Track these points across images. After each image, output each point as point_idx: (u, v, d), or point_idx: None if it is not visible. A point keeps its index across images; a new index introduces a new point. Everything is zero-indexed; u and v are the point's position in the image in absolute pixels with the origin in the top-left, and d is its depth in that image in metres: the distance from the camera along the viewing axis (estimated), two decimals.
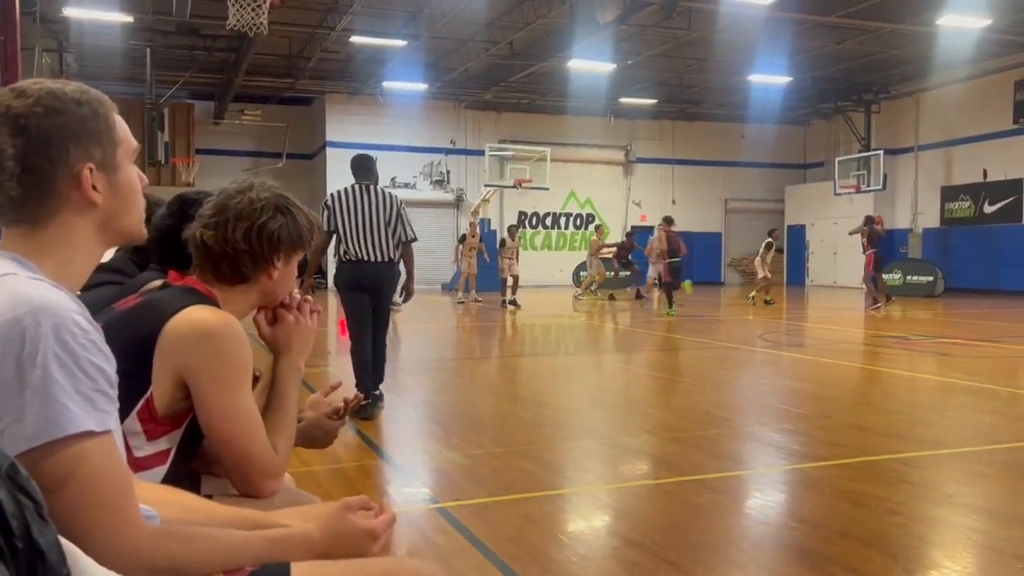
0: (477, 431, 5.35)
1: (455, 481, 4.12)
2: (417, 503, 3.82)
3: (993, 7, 14.97)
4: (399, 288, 6.14)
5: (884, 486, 3.97)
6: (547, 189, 23.29)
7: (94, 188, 1.15)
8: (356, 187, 5.82)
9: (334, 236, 5.71)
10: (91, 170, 1.15)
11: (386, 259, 5.70)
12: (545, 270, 25.05)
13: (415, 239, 5.91)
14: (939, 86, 21.91)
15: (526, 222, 25.60)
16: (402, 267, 5.97)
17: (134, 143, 1.23)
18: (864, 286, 16.68)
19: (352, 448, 4.59)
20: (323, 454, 4.30)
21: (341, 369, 8.44)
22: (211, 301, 1.60)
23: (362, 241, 5.65)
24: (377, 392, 5.83)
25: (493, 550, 3.08)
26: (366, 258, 5.65)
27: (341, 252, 5.72)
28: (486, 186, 22.59)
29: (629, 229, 21.89)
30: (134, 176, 1.23)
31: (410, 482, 4.21)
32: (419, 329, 13.17)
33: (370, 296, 5.71)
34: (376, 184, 5.92)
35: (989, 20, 15.41)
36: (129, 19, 15.39)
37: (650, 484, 4.11)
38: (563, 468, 4.47)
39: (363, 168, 5.99)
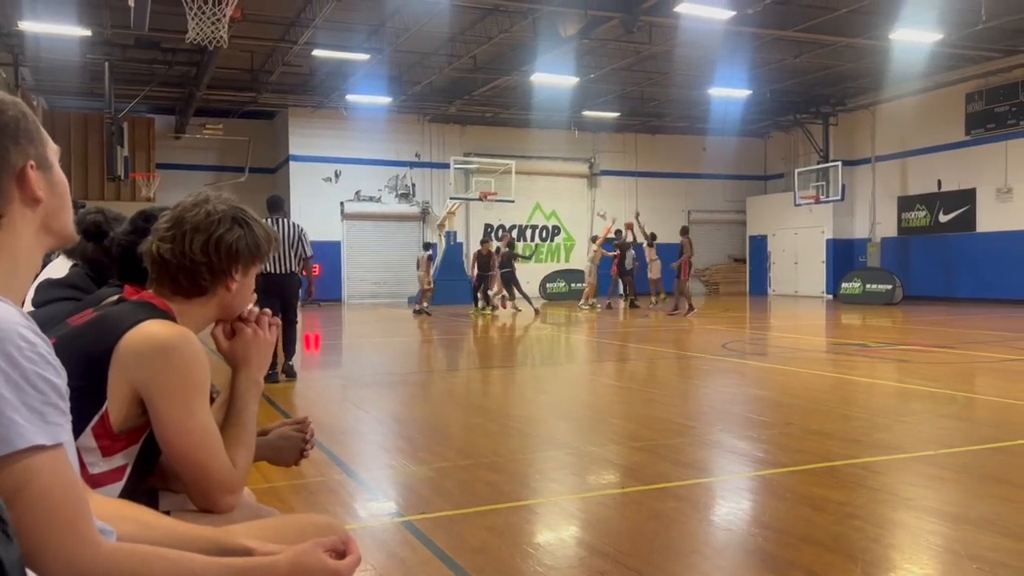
0: (443, 444, 5.34)
1: (420, 494, 4.10)
2: (382, 517, 3.80)
3: (943, 22, 15.38)
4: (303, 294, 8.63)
5: (844, 491, 4.03)
6: (512, 201, 23.36)
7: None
8: (270, 219, 7.97)
9: None
10: (32, 167, 1.15)
11: (288, 271, 8.06)
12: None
13: (312, 256, 8.35)
14: (894, 99, 22.42)
15: (492, 235, 25.62)
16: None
17: (55, 145, 1.24)
18: (676, 291, 17.07)
19: (316, 463, 4.55)
20: (286, 469, 4.27)
21: (307, 384, 8.38)
22: (167, 315, 1.59)
23: (272, 259, 7.58)
24: (290, 364, 8.19)
25: (458, 562, 3.08)
26: (274, 271, 7.83)
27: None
28: (451, 199, 22.60)
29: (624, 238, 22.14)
30: (63, 176, 1.24)
31: (375, 496, 4.18)
32: (385, 343, 13.11)
33: (279, 298, 7.82)
34: (286, 217, 8.52)
35: (940, 35, 15.82)
36: (87, 33, 15.17)
37: (616, 493, 4.14)
38: (529, 479, 4.48)
39: (275, 205, 8.42)
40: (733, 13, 14.06)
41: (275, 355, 7.78)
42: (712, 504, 4.01)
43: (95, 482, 1.47)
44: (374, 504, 4.05)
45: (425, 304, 18.21)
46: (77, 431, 1.39)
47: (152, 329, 1.51)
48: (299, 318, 8.92)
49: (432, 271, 18.82)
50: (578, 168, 26.76)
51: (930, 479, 4.32)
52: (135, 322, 1.52)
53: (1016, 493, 3.97)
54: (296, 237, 8.05)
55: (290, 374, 8.15)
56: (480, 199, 22.87)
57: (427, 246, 19.25)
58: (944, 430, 5.60)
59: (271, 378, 7.64)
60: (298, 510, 3.70)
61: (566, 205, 26.61)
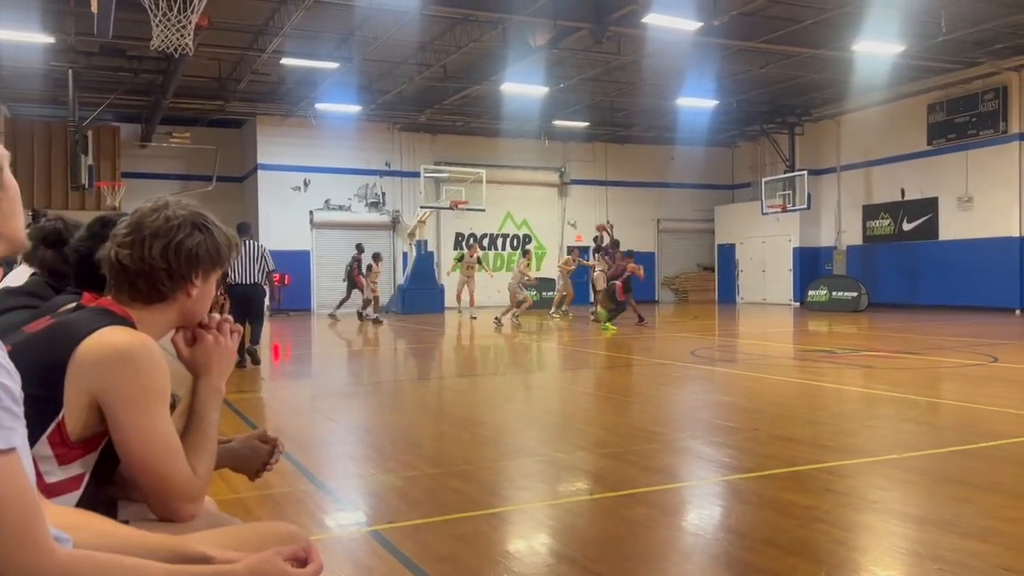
0: (413, 453, 5.31)
1: (389, 503, 4.08)
2: (349, 527, 3.77)
3: (905, 34, 15.69)
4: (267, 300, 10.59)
5: (810, 495, 4.08)
6: (483, 210, 23.36)
7: None
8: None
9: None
10: None
11: (253, 282, 9.95)
12: (483, 291, 25.10)
13: (274, 269, 10.33)
14: (858, 109, 22.80)
15: (463, 243, 25.64)
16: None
17: (4, 151, 1.21)
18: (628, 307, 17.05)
19: (283, 474, 4.50)
20: (253, 479, 4.22)
21: (275, 395, 8.31)
22: (126, 322, 1.57)
23: (240, 272, 9.78)
24: (255, 349, 9.98)
25: (426, 571, 3.07)
26: (242, 282, 9.82)
27: (228, 279, 9.63)
28: (422, 208, 22.56)
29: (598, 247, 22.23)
30: (13, 180, 1.21)
31: (342, 506, 4.15)
32: (354, 352, 13.03)
33: (247, 303, 9.88)
34: (253, 238, 10.46)
35: (902, 47, 16.13)
36: (50, 40, 14.96)
37: (584, 500, 4.15)
38: (498, 487, 4.47)
39: (243, 229, 10.39)
40: (700, 24, 14.23)
41: (241, 345, 9.33)
42: (680, 509, 4.03)
43: (51, 491, 1.45)
44: (341, 514, 4.02)
45: (370, 311, 18.67)
46: (32, 439, 1.36)
47: (110, 336, 1.49)
48: (264, 320, 10.80)
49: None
50: (548, 177, 26.85)
51: (894, 482, 4.39)
52: (93, 329, 1.50)
53: (975, 495, 4.05)
54: (259, 255, 10.00)
55: (252, 358, 9.91)
56: (451, 208, 22.86)
57: (376, 256, 19.76)
58: (908, 434, 5.69)
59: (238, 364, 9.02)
60: (263, 520, 3.66)
61: (537, 214, 26.67)
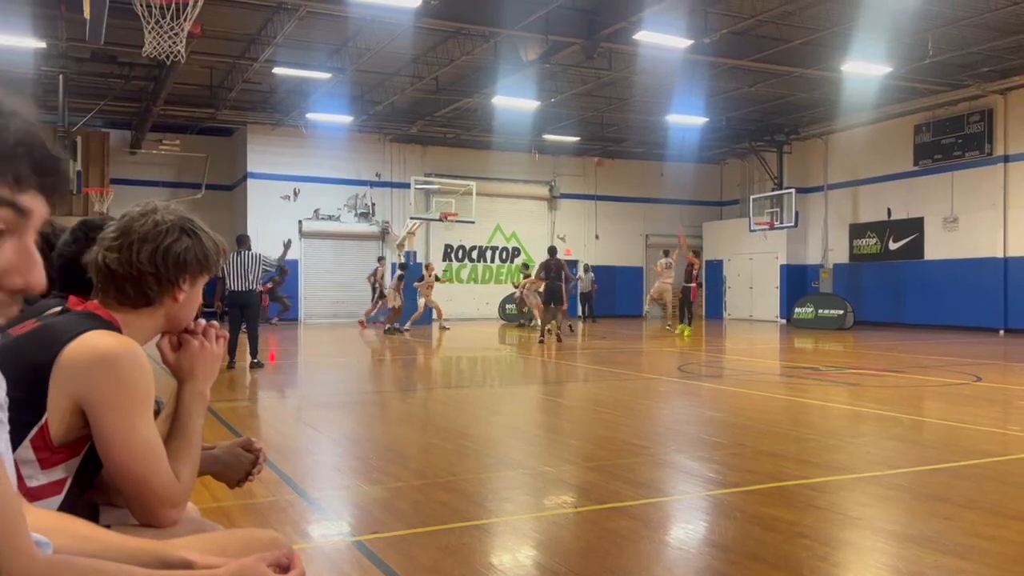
0: (398, 464, 5.30)
1: (373, 514, 4.06)
2: (333, 537, 3.75)
3: (893, 56, 15.88)
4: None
5: (793, 510, 4.09)
6: (473, 223, 23.41)
7: None
8: (237, 251, 10.73)
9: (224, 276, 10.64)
10: None
11: (248, 289, 10.67)
12: (471, 303, 25.13)
13: (276, 265, 11.14)
14: (846, 128, 23.02)
15: (452, 255, 25.67)
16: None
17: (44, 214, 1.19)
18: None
19: (267, 483, 4.48)
20: (236, 488, 4.19)
21: (261, 404, 8.27)
22: (112, 326, 1.57)
23: (237, 280, 10.60)
24: (256, 360, 10.69)
25: None
26: (239, 289, 10.61)
27: (227, 287, 10.78)
28: (412, 219, 22.58)
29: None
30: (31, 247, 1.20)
31: (326, 516, 4.13)
32: (341, 362, 12.99)
33: (242, 309, 10.80)
34: (248, 248, 10.89)
35: (889, 68, 16.32)
36: (41, 45, 14.93)
37: (569, 513, 4.14)
38: (483, 499, 4.46)
39: (241, 241, 11.04)
40: (691, 42, 14.36)
41: (234, 350, 10.41)
42: (664, 523, 4.03)
43: (33, 495, 1.44)
44: (325, 524, 4.00)
45: (398, 324, 18.43)
46: (15, 442, 1.36)
47: (95, 340, 1.49)
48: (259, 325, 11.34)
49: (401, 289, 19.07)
50: (538, 191, 26.95)
51: (877, 499, 4.41)
52: (78, 332, 1.49)
53: (956, 512, 4.07)
54: (255, 263, 10.65)
55: (257, 366, 10.63)
56: (440, 220, 22.89)
57: (403, 265, 19.63)
58: (891, 451, 5.72)
59: (231, 365, 10.46)
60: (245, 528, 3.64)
61: (526, 227, 26.74)
